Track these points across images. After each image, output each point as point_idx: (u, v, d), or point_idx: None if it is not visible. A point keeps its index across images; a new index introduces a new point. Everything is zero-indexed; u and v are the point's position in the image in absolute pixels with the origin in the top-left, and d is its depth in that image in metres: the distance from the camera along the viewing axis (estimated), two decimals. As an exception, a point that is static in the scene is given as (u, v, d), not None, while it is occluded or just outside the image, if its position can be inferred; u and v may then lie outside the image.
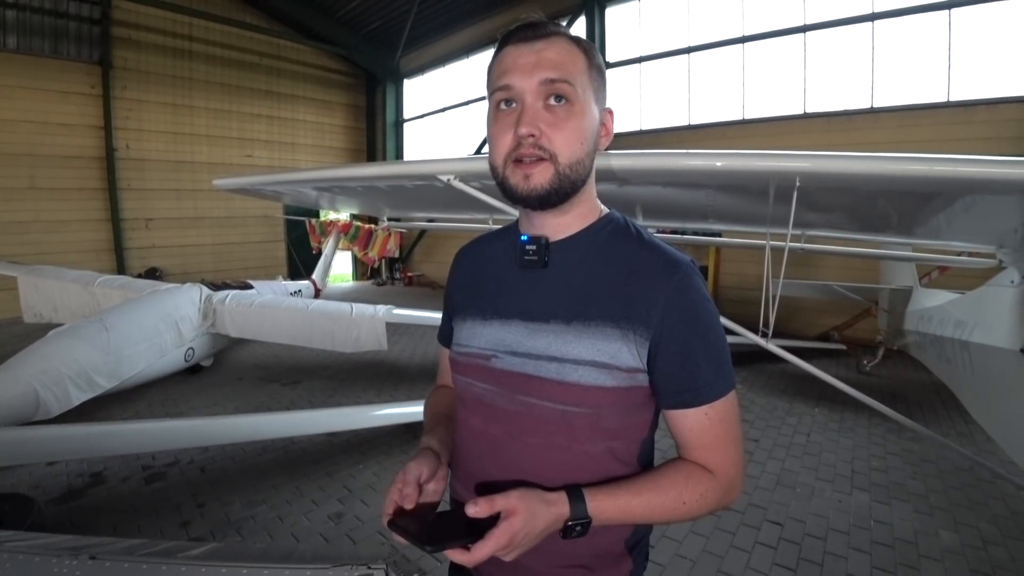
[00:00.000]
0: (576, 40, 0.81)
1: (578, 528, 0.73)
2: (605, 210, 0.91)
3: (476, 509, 0.67)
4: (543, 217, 0.85)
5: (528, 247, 0.86)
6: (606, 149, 0.89)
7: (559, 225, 0.86)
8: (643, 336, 0.78)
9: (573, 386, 0.79)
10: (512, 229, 0.94)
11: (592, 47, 0.83)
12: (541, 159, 0.77)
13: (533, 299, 0.86)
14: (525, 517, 0.68)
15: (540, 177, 0.78)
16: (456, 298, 0.99)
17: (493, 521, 0.68)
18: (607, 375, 0.79)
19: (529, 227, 0.89)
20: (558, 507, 0.72)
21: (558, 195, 0.80)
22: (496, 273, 0.93)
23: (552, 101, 0.77)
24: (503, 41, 0.82)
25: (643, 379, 0.81)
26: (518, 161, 0.78)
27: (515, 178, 0.79)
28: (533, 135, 0.76)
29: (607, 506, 0.75)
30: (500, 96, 0.81)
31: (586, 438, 0.82)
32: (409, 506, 0.77)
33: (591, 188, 0.88)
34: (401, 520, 0.69)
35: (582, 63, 0.80)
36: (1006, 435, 2.63)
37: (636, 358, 0.79)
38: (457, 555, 0.66)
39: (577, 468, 0.82)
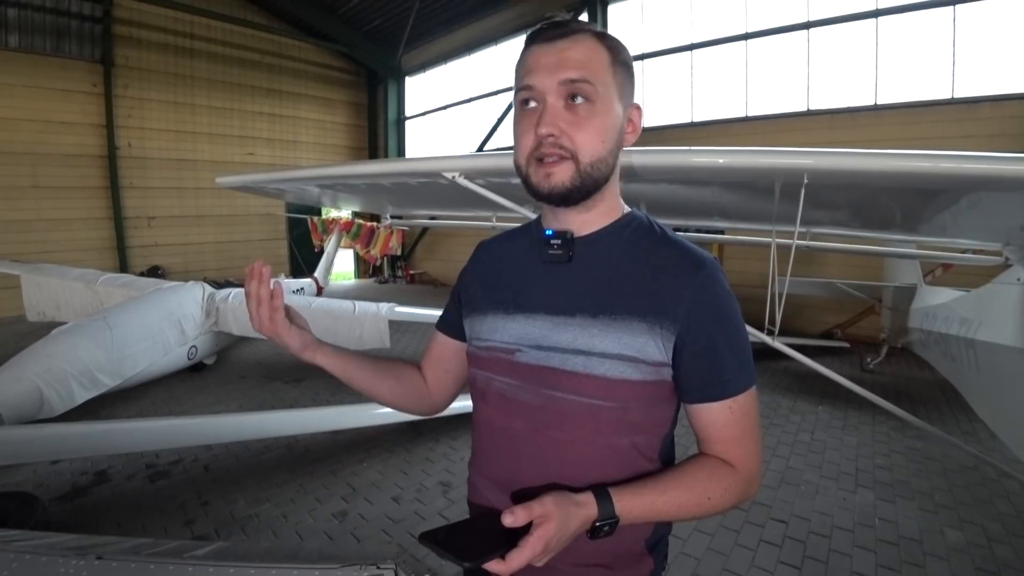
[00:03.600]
0: (601, 36, 0.81)
1: (606, 528, 0.74)
2: (628, 208, 0.91)
3: (513, 518, 0.66)
4: (567, 214, 0.86)
5: (553, 241, 0.87)
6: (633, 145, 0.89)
7: (583, 221, 0.87)
8: (669, 331, 0.79)
9: (600, 379, 0.80)
10: (534, 225, 0.95)
11: (618, 43, 0.83)
12: (563, 158, 0.78)
13: (558, 293, 0.86)
14: (560, 522, 0.68)
15: (561, 176, 0.79)
16: (472, 290, 0.98)
17: (524, 526, 0.67)
18: (634, 368, 0.80)
19: (554, 222, 0.89)
20: (587, 509, 0.72)
21: (580, 192, 0.80)
22: (519, 268, 0.92)
23: (572, 100, 0.78)
24: (528, 40, 0.82)
25: (667, 373, 0.81)
26: (540, 160, 0.79)
27: (537, 176, 0.80)
28: (553, 135, 0.77)
29: (634, 505, 0.75)
30: (523, 96, 0.81)
31: (611, 432, 0.82)
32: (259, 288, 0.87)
33: (614, 185, 0.88)
34: (432, 535, 0.68)
35: (605, 60, 0.80)
36: (1011, 432, 2.63)
37: (662, 352, 0.80)
38: (493, 566, 0.66)
39: (602, 462, 0.83)
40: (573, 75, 0.77)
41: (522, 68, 0.81)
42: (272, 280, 0.89)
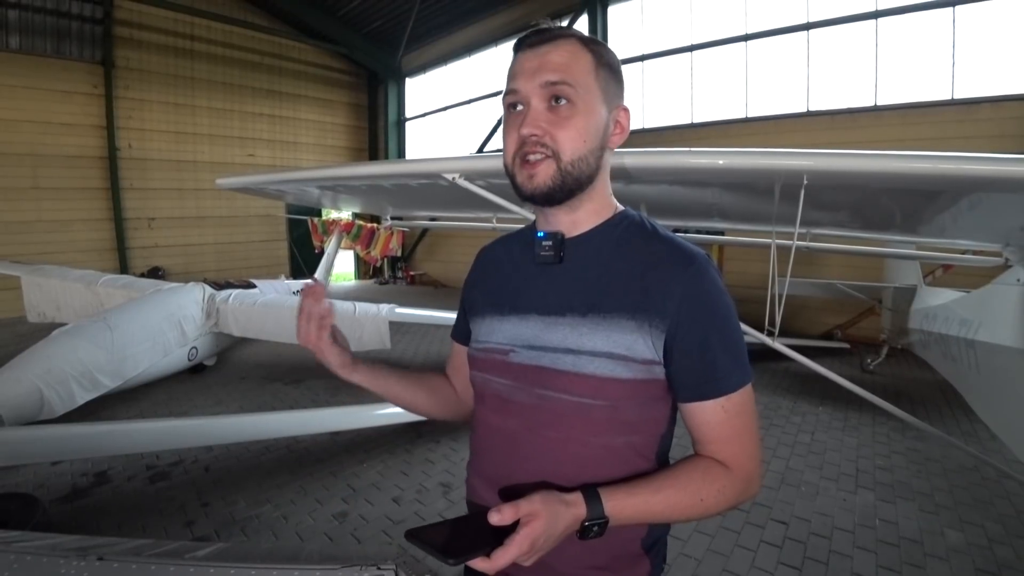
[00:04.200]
0: (585, 40, 0.83)
1: (595, 528, 0.73)
2: (620, 207, 0.92)
3: (500, 516, 0.66)
4: (556, 214, 0.87)
5: (544, 243, 0.88)
6: (620, 147, 0.90)
7: (573, 222, 0.88)
8: (659, 328, 0.79)
9: (589, 378, 0.80)
10: (530, 229, 0.96)
11: (602, 47, 0.85)
12: (545, 156, 0.80)
13: (550, 294, 0.87)
14: (547, 521, 0.68)
15: (543, 176, 0.81)
16: (474, 295, 1.01)
17: (512, 525, 0.67)
18: (623, 367, 0.80)
19: (545, 224, 0.90)
20: (576, 508, 0.72)
21: (562, 191, 0.82)
22: (514, 270, 0.94)
23: (554, 102, 0.80)
24: (515, 48, 0.85)
25: (659, 371, 0.81)
26: (524, 161, 0.81)
27: (521, 177, 0.83)
28: (535, 134, 0.79)
29: (624, 505, 0.75)
30: (509, 100, 0.84)
31: (604, 431, 0.82)
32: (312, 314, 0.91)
33: (603, 185, 0.89)
34: (419, 532, 0.68)
35: (587, 63, 0.81)
36: (1011, 433, 2.62)
37: (652, 350, 0.80)
38: (478, 563, 0.66)
39: (597, 462, 0.83)
40: (553, 77, 0.79)
41: (509, 74, 0.84)
42: (327, 301, 0.93)
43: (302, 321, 0.92)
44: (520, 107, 0.82)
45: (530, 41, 0.82)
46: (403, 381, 1.04)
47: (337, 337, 0.95)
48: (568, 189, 0.81)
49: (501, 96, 0.86)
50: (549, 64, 0.79)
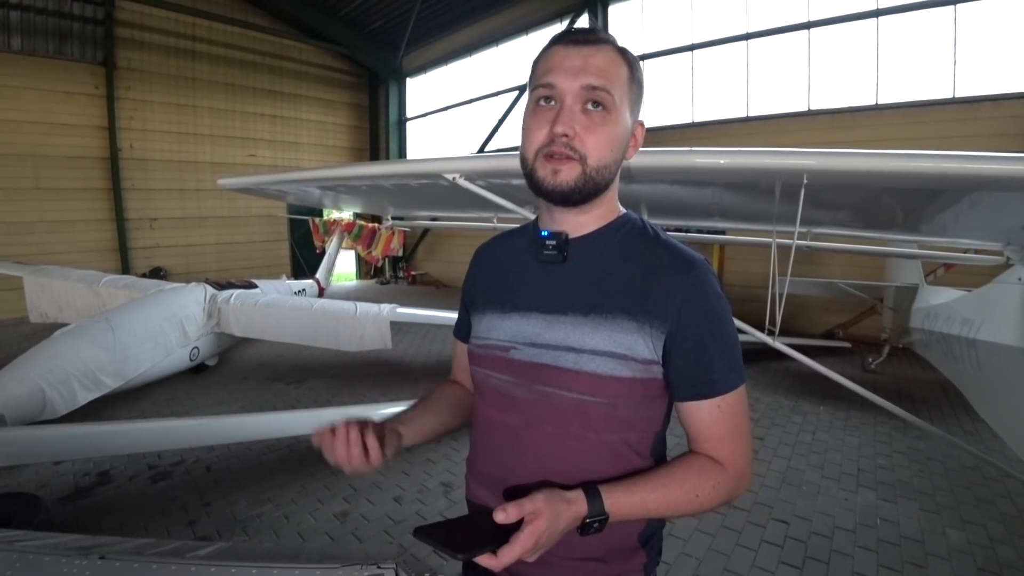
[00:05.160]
0: (623, 52, 0.85)
1: (595, 525, 0.75)
2: (623, 210, 0.94)
3: (505, 515, 0.68)
4: (563, 214, 0.88)
5: (548, 242, 0.89)
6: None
7: (578, 223, 0.89)
8: (659, 330, 0.81)
9: (590, 376, 0.82)
10: (531, 226, 0.97)
11: (636, 61, 0.86)
12: (571, 158, 0.80)
13: (551, 292, 0.88)
14: (550, 519, 0.70)
15: (567, 175, 0.81)
16: (474, 292, 1.02)
17: (516, 523, 0.69)
18: (623, 366, 0.82)
19: (549, 223, 0.91)
20: (577, 506, 0.74)
21: (581, 194, 0.83)
22: (515, 268, 0.95)
23: (590, 106, 0.80)
24: (553, 40, 0.85)
25: (658, 371, 0.83)
26: (549, 156, 0.81)
27: (543, 171, 0.82)
28: (567, 135, 0.79)
29: (623, 502, 0.77)
30: (542, 92, 0.83)
31: (602, 428, 0.84)
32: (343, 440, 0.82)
33: (613, 191, 0.91)
34: (427, 529, 0.70)
35: (624, 75, 0.83)
36: (1013, 432, 2.62)
37: (651, 351, 0.82)
38: (485, 560, 0.68)
39: (594, 458, 0.85)
40: (595, 82, 0.79)
41: (544, 65, 0.83)
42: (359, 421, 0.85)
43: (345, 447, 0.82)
44: (552, 102, 0.82)
45: (573, 38, 0.82)
46: (428, 415, 1.03)
47: (376, 435, 0.85)
48: (587, 193, 0.83)
49: (529, 86, 0.86)
50: (592, 67, 0.79)
